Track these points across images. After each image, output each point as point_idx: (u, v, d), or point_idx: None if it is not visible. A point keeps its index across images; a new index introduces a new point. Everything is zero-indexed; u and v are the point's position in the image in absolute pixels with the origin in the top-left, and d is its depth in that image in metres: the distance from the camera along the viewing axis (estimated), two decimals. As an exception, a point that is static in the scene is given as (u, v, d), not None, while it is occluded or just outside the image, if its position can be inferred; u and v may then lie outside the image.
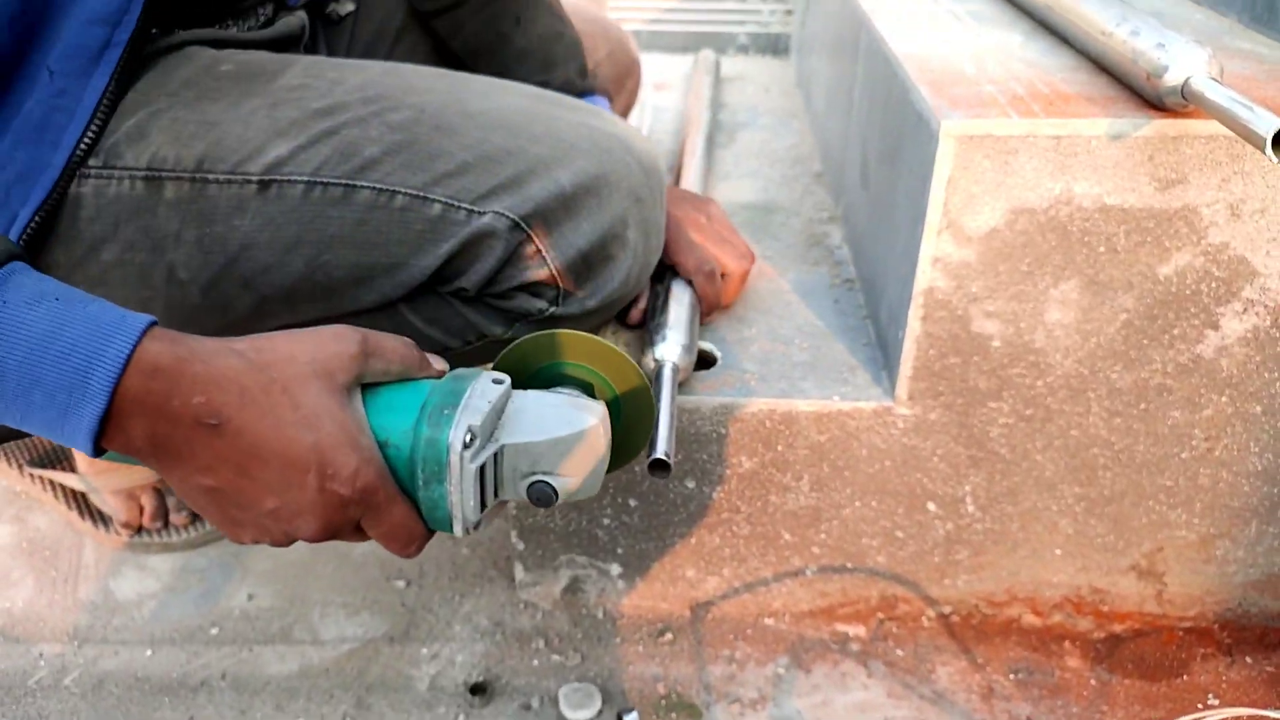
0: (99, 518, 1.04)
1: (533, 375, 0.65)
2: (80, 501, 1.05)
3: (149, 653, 0.90)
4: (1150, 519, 0.85)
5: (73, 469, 1.05)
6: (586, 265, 0.74)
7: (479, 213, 0.71)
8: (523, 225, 0.71)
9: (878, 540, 0.88)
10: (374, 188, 0.71)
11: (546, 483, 0.58)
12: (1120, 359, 0.77)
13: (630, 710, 0.82)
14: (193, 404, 0.49)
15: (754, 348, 0.89)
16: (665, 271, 0.89)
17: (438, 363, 0.62)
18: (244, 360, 0.52)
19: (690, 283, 0.88)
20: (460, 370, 0.59)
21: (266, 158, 0.69)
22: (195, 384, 0.49)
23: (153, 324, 0.50)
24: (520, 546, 0.91)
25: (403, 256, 0.73)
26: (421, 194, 0.71)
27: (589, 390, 0.64)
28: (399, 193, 0.71)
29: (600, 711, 0.83)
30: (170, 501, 1.03)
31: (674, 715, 0.83)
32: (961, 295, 0.76)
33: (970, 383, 0.80)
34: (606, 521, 0.88)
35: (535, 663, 0.88)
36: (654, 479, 0.67)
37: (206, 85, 0.72)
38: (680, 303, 0.85)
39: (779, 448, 0.83)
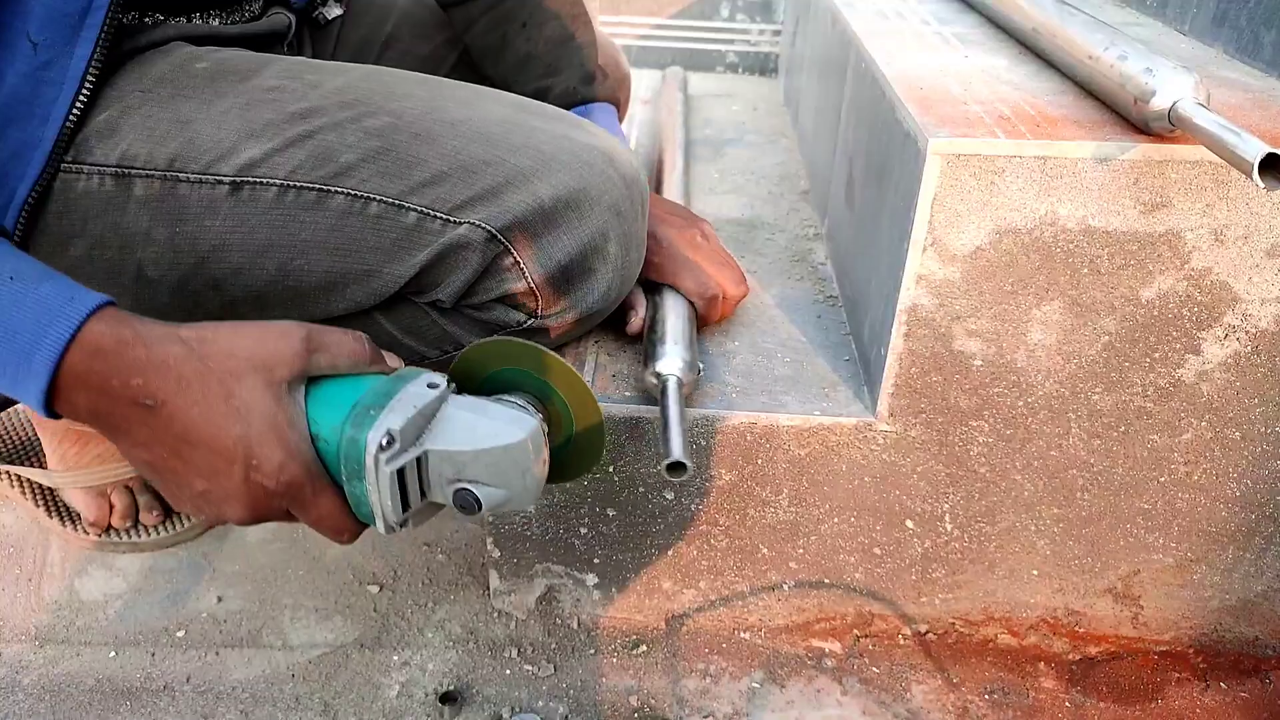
0: (67, 515, 1.02)
1: (488, 379, 0.65)
2: (49, 498, 1.03)
3: (112, 654, 0.88)
4: (1128, 542, 0.85)
5: (42, 465, 1.03)
6: (566, 278, 0.74)
7: (455, 223, 0.70)
8: (500, 237, 0.70)
9: (855, 556, 0.88)
10: (348, 194, 0.70)
11: (470, 491, 0.58)
12: (1101, 381, 0.78)
13: (602, 723, 0.81)
14: (131, 385, 0.52)
15: (736, 361, 0.89)
16: (661, 286, 0.89)
17: (392, 360, 0.62)
18: (186, 348, 0.54)
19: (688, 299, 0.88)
20: (404, 370, 0.60)
21: (239, 159, 0.68)
22: (135, 366, 0.52)
23: (104, 305, 0.52)
24: (496, 554, 0.90)
25: (376, 264, 0.72)
26: (397, 202, 0.70)
27: (544, 400, 0.63)
28: (374, 200, 0.70)
29: (572, 724, 0.82)
30: (141, 500, 1.02)
31: (646, 729, 0.82)
32: (944, 313, 0.76)
33: (951, 401, 0.80)
34: (584, 531, 0.88)
35: (508, 672, 0.87)
36: (674, 481, 0.68)
37: (181, 83, 0.71)
38: (679, 315, 0.85)
39: (759, 461, 0.83)
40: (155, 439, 0.54)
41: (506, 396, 0.63)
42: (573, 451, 0.65)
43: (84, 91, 0.67)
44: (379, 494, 0.56)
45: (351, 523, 0.59)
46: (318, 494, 0.57)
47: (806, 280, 1.06)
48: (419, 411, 0.56)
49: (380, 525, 0.57)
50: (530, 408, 0.62)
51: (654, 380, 0.79)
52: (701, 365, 0.87)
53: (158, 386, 0.52)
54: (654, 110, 1.72)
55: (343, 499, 0.58)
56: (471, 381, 0.65)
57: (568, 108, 0.93)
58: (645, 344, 0.83)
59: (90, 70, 0.67)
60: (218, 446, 0.53)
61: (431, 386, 0.58)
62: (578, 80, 0.94)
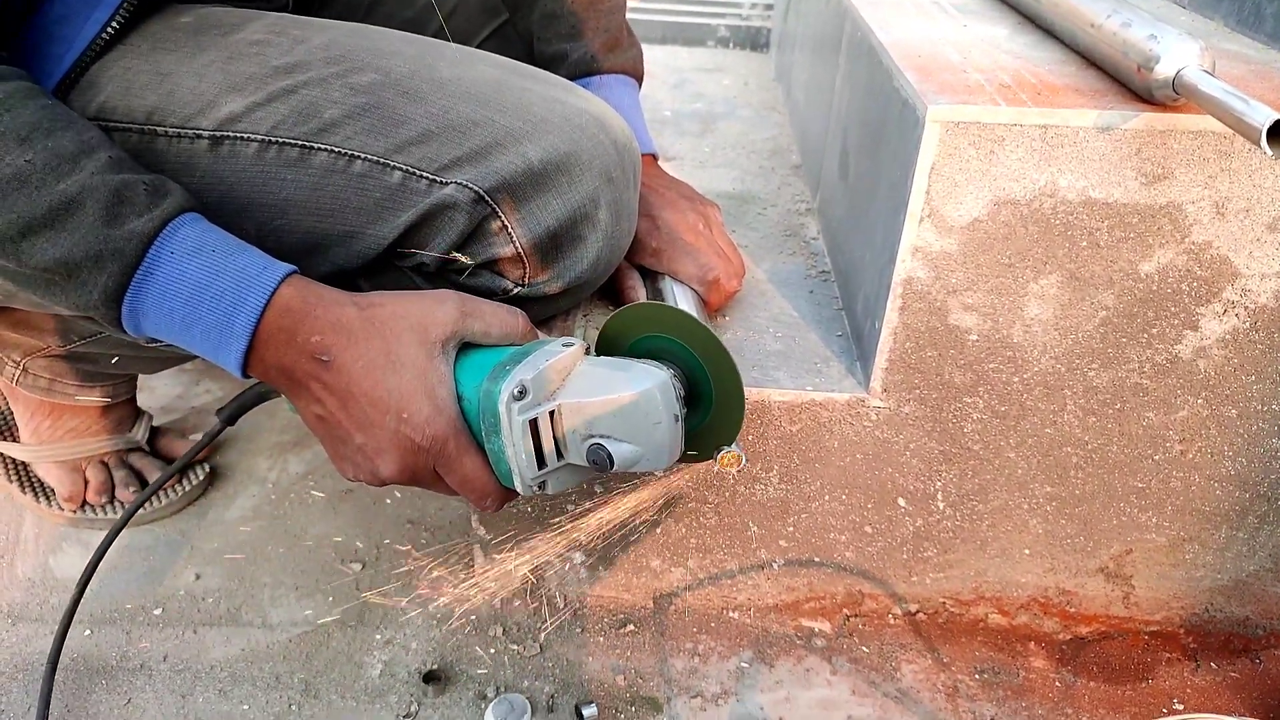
0: (41, 491, 1.00)
1: (636, 344, 0.65)
2: (22, 473, 1.01)
3: (87, 633, 0.86)
4: (1120, 521, 0.84)
5: (15, 438, 1.01)
6: (554, 245, 0.72)
7: (441, 183, 0.68)
8: (487, 199, 0.68)
9: (846, 535, 0.87)
10: (332, 151, 0.68)
11: (602, 445, 0.59)
12: (1098, 357, 0.76)
13: (589, 703, 0.80)
14: (311, 341, 0.58)
15: (727, 335, 0.87)
16: (660, 275, 0.86)
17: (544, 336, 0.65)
18: (357, 310, 0.59)
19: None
20: (547, 337, 0.63)
21: (220, 113, 0.66)
22: (315, 324, 0.58)
23: (292, 273, 0.59)
24: (481, 531, 0.88)
25: (359, 225, 0.70)
26: (382, 160, 0.68)
27: (686, 368, 0.63)
28: (358, 158, 0.68)
29: None
30: (117, 476, 0.99)
31: (634, 709, 0.81)
32: (940, 286, 0.74)
33: (946, 376, 0.78)
34: (571, 508, 0.86)
35: (493, 651, 0.85)
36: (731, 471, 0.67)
37: (162, 36, 0.68)
38: (689, 301, 0.82)
39: (749, 437, 0.81)
40: (327, 392, 0.59)
41: (648, 360, 0.63)
42: (711, 425, 0.64)
43: (89, 55, 0.66)
44: (514, 447, 0.58)
45: (495, 486, 0.62)
46: (461, 452, 0.60)
47: (799, 255, 1.04)
48: (550, 365, 0.58)
49: (518, 482, 0.59)
50: (665, 366, 0.62)
51: None
52: None
53: (332, 342, 0.58)
54: (658, 84, 1.69)
55: (486, 461, 0.60)
56: (618, 345, 0.66)
57: (582, 76, 0.91)
58: None
59: (103, 35, 0.66)
60: (374, 397, 0.58)
61: (566, 345, 0.60)
62: (597, 48, 0.91)
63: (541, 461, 0.59)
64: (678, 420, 0.60)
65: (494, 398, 0.57)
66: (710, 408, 0.63)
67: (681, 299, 0.82)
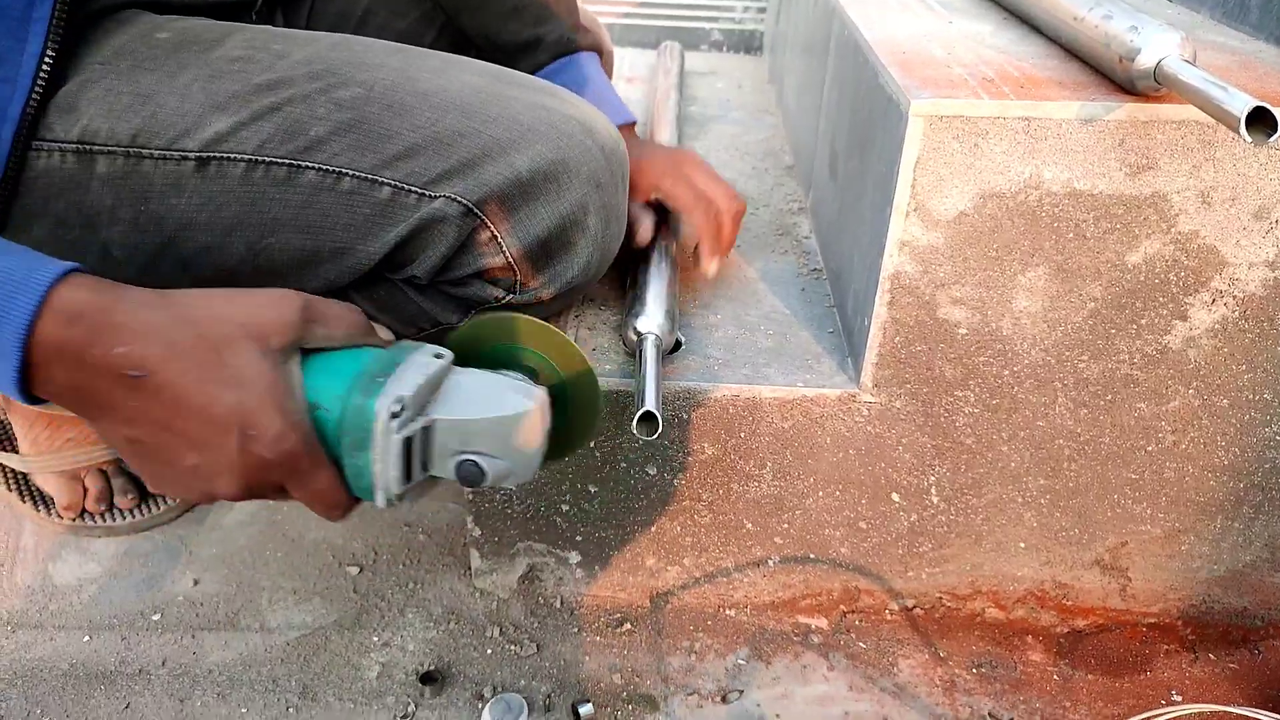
0: (40, 500, 1.00)
1: (482, 355, 0.63)
2: (21, 483, 1.01)
3: (86, 639, 0.87)
4: (1115, 513, 0.84)
5: (14, 449, 1.01)
6: (545, 252, 0.72)
7: (430, 197, 0.68)
8: (476, 211, 0.69)
9: (841, 531, 0.87)
10: (320, 169, 0.68)
11: (475, 462, 0.56)
12: (1087, 349, 0.76)
13: (586, 702, 0.80)
14: (113, 354, 0.48)
15: (719, 334, 0.87)
16: (648, 250, 0.89)
17: (383, 332, 0.61)
18: (173, 314, 0.50)
19: (670, 248, 0.88)
20: (404, 342, 0.58)
21: (205, 134, 0.66)
22: (118, 333, 0.48)
23: (74, 270, 0.48)
24: (477, 533, 0.88)
25: (349, 241, 0.70)
26: (370, 176, 0.68)
27: (535, 376, 0.62)
28: (346, 174, 0.68)
29: None
30: (115, 484, 1.00)
31: (631, 707, 0.81)
32: (928, 281, 0.75)
33: (936, 371, 0.78)
34: (566, 508, 0.86)
35: (489, 652, 0.86)
36: (643, 438, 0.68)
37: (142, 54, 0.68)
38: (660, 274, 0.85)
39: (742, 434, 0.82)
40: (142, 412, 0.49)
41: (504, 370, 0.61)
42: (569, 425, 0.64)
43: (38, 87, 0.64)
44: (384, 464, 0.54)
45: (346, 498, 0.56)
46: (316, 466, 0.54)
47: (791, 254, 1.04)
48: (427, 380, 0.55)
49: (380, 498, 0.55)
50: (529, 381, 0.60)
51: (633, 338, 0.79)
52: (684, 338, 0.86)
53: (145, 355, 0.48)
54: (647, 84, 1.69)
55: (338, 472, 0.55)
56: (473, 351, 0.63)
57: (561, 55, 0.91)
58: (627, 302, 0.84)
59: (44, 63, 0.64)
60: (212, 415, 0.49)
61: (437, 357, 0.57)
62: (568, 27, 0.92)
63: (408, 477, 0.56)
64: (547, 436, 0.59)
65: (367, 414, 0.53)
66: (566, 410, 0.63)
67: (655, 273, 0.86)
